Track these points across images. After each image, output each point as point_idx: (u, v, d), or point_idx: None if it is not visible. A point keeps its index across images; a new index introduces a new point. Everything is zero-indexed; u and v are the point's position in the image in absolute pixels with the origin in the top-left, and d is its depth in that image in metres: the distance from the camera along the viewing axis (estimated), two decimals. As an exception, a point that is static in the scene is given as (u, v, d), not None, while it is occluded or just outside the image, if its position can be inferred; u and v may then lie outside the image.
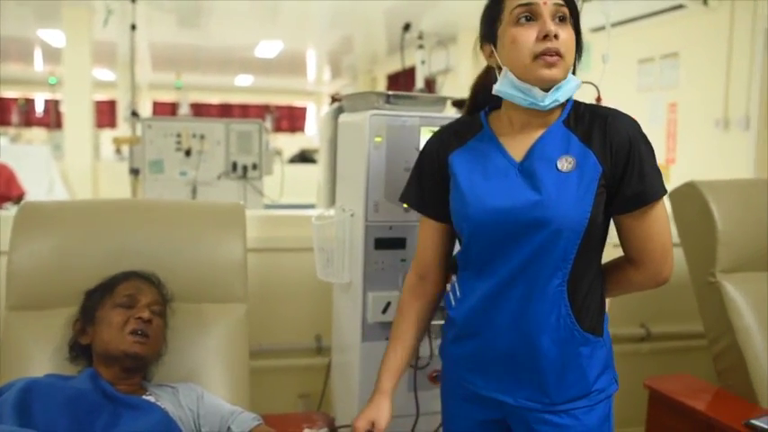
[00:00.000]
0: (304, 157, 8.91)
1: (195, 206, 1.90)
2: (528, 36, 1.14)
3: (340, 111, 1.99)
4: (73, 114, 6.27)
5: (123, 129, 4.72)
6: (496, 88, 1.21)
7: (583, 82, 1.88)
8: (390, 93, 1.70)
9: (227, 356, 1.65)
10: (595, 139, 1.18)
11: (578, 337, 1.21)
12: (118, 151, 7.25)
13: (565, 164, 1.17)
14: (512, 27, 1.16)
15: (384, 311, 1.71)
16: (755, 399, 1.82)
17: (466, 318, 1.29)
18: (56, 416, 1.27)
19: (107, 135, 9.42)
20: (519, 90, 1.17)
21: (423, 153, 1.35)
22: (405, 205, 1.71)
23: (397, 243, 1.72)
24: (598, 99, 1.93)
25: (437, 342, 1.78)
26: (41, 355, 1.54)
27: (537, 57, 1.13)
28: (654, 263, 1.23)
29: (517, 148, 1.23)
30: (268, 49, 8.82)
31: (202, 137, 2.89)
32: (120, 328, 1.42)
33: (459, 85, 7.32)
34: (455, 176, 1.26)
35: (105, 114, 10.70)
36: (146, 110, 11.49)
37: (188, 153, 2.87)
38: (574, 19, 1.18)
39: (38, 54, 9.12)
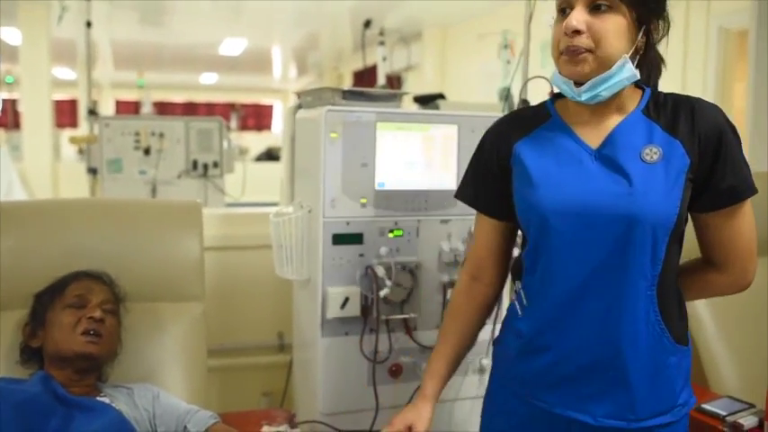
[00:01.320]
0: (271, 155, 8.86)
1: (151, 205, 1.88)
2: (558, 29, 1.08)
3: (299, 107, 1.99)
4: (31, 114, 6.11)
5: (84, 128, 4.63)
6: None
7: (537, 77, 1.91)
8: (346, 89, 1.71)
9: (183, 356, 1.63)
10: (682, 128, 1.08)
11: (668, 346, 1.11)
12: (80, 151, 7.11)
13: (650, 154, 1.07)
14: (557, 20, 1.10)
15: (343, 307, 1.72)
16: (707, 384, 1.87)
17: (538, 328, 1.15)
18: (5, 421, 1.25)
19: (68, 135, 9.24)
20: (562, 83, 1.10)
21: (481, 145, 1.25)
22: (362, 200, 1.72)
23: (355, 238, 1.73)
24: (551, 94, 1.96)
25: (396, 335, 1.79)
26: (-7, 359, 1.50)
27: (563, 53, 1.07)
28: (740, 264, 1.14)
29: (591, 135, 1.12)
30: (232, 46, 8.73)
31: (161, 135, 2.86)
32: (72, 329, 1.40)
33: (425, 81, 7.36)
34: (523, 165, 1.15)
35: (66, 114, 10.48)
36: (108, 109, 11.28)
37: (147, 152, 2.83)
38: (632, 4, 1.05)
39: (-7, 52, 8.89)
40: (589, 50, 1.05)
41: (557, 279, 1.11)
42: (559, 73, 1.10)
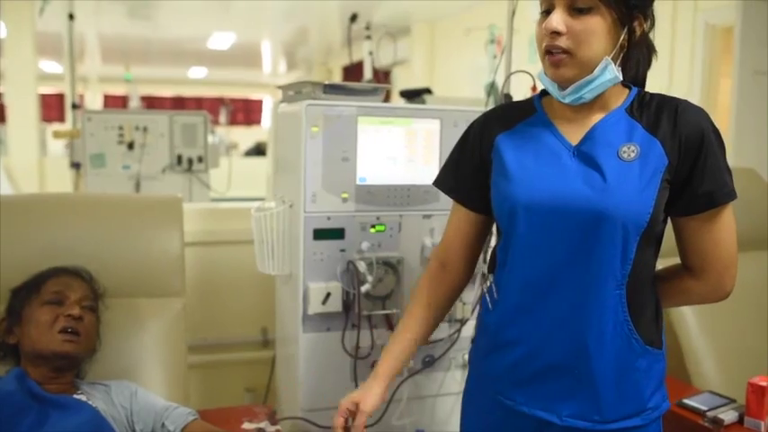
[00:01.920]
0: (260, 150, 8.82)
1: (131, 199, 1.86)
2: (540, 30, 1.07)
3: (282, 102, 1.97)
4: (17, 108, 6.05)
5: (71, 122, 4.58)
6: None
7: (519, 71, 1.91)
8: (327, 83, 1.69)
9: (163, 352, 1.62)
10: (663, 128, 1.07)
11: (637, 348, 1.09)
12: (68, 146, 7.04)
13: (627, 152, 1.06)
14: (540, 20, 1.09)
15: (324, 302, 1.71)
16: (689, 379, 1.87)
17: (504, 322, 1.14)
18: (-21, 418, 1.23)
19: (55, 129, 9.15)
20: (549, 84, 1.10)
21: (465, 135, 1.25)
22: (344, 195, 1.71)
23: (336, 233, 1.72)
24: (533, 89, 1.96)
25: (378, 331, 1.78)
26: (-32, 356, 1.48)
27: (546, 53, 1.07)
28: (716, 273, 1.12)
29: (573, 131, 1.12)
30: (221, 40, 8.68)
31: (145, 129, 2.83)
32: (49, 327, 1.38)
33: (414, 76, 7.34)
34: (501, 157, 1.15)
35: (53, 108, 10.37)
36: (96, 103, 11.17)
37: (131, 146, 2.81)
38: (613, 6, 1.04)
39: (-20, 46, 8.80)
40: (567, 52, 1.04)
41: (523, 272, 1.11)
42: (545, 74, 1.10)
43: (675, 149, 1.06)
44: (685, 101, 1.10)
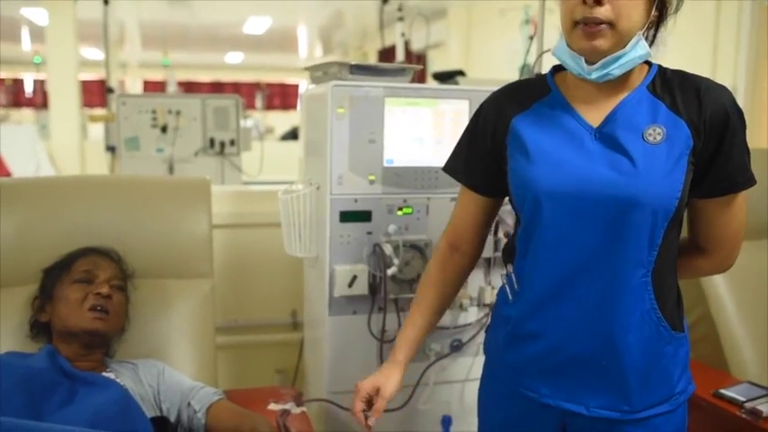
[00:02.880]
0: (295, 135, 8.85)
1: (159, 181, 1.88)
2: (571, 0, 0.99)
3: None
4: (58, 94, 6.19)
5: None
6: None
7: (549, 51, 1.85)
8: (353, 63, 1.67)
9: (191, 332, 1.63)
10: (688, 108, 1.03)
11: (664, 334, 1.07)
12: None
13: (653, 134, 1.02)
14: None
15: (350, 285, 1.70)
16: (727, 368, 1.81)
17: (527, 315, 1.11)
18: (10, 395, 1.26)
19: (91, 113, 9.34)
20: (570, 57, 1.03)
21: (475, 117, 1.19)
22: (371, 177, 1.69)
23: (363, 216, 1.70)
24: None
25: (405, 314, 1.77)
26: (3, 333, 1.52)
27: (577, 23, 0.99)
28: (725, 251, 1.12)
29: (593, 112, 1.06)
30: (256, 25, 8.70)
31: (178, 113, 2.85)
32: (79, 305, 1.40)
33: (450, 59, 7.25)
34: (521, 141, 1.09)
35: (95, 94, 10.57)
36: (136, 88, 11.38)
37: (164, 129, 2.83)
38: None
39: (25, 33, 9.00)
40: (608, 23, 0.98)
41: (549, 263, 1.07)
42: (568, 46, 1.03)
43: (701, 131, 1.02)
44: (708, 79, 1.06)
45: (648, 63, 1.08)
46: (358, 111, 1.65)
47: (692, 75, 1.07)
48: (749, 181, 1.06)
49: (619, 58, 1.00)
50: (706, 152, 1.03)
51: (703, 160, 1.03)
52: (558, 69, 1.15)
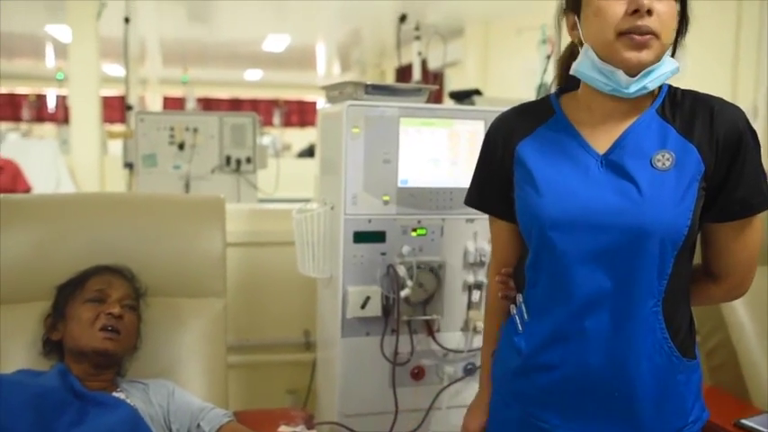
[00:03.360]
0: (312, 152, 8.89)
1: (174, 199, 1.88)
2: (615, 8, 0.95)
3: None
4: (79, 109, 6.27)
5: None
6: (575, 68, 1.02)
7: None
8: (368, 83, 1.67)
9: (202, 352, 1.62)
10: (699, 131, 1.00)
11: (676, 363, 1.04)
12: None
13: (662, 160, 0.99)
14: None
15: (363, 306, 1.68)
16: (748, 397, 1.77)
17: (538, 347, 1.08)
18: (20, 414, 1.25)
19: (109, 130, 9.46)
20: (600, 72, 0.99)
21: (484, 145, 1.17)
22: (385, 198, 1.68)
23: (377, 236, 1.69)
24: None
25: (418, 337, 1.75)
26: (15, 350, 1.52)
27: (622, 34, 0.95)
28: (739, 277, 1.09)
29: (599, 138, 1.04)
30: (276, 43, 8.79)
31: (195, 130, 2.87)
32: (91, 324, 1.40)
33: (467, 77, 7.26)
34: (527, 169, 1.07)
35: (116, 110, 10.71)
36: (156, 104, 11.52)
37: (181, 147, 2.85)
38: None
39: (48, 50, 9.17)
40: (655, 35, 0.95)
41: (560, 294, 1.04)
42: (599, 61, 0.98)
43: (712, 153, 0.99)
44: (721, 99, 1.03)
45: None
46: (373, 130, 1.65)
47: (704, 95, 1.05)
48: (764, 204, 1.02)
49: (651, 72, 0.98)
50: (718, 175, 1.00)
51: (715, 183, 1.01)
52: (563, 91, 1.13)
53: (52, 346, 1.48)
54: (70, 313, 1.44)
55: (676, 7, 0.98)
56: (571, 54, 1.15)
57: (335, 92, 1.79)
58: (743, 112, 1.02)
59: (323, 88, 1.84)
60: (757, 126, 3.86)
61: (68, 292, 1.48)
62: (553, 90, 1.19)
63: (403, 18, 3.21)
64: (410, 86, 1.74)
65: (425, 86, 1.75)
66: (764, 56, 3.78)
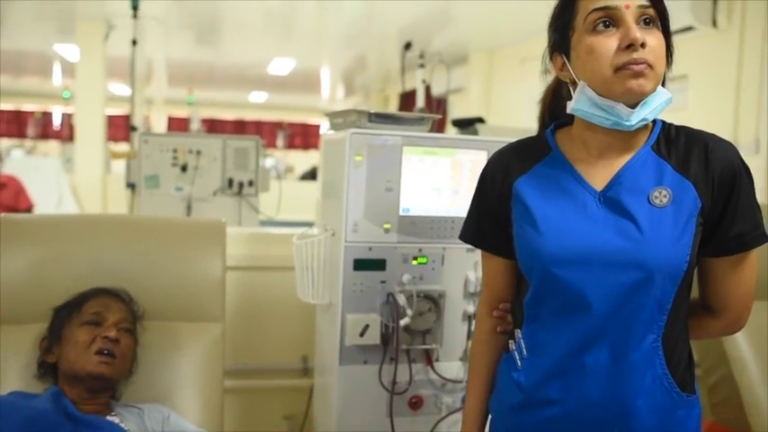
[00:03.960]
0: (315, 175, 8.92)
1: (175, 222, 1.88)
2: (608, 45, 0.97)
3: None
4: (84, 128, 6.32)
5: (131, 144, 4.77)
6: (572, 106, 1.03)
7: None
8: (372, 111, 1.67)
9: (199, 377, 1.61)
10: (694, 168, 1.01)
11: (677, 399, 1.04)
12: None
13: (660, 197, 1.00)
14: (588, 35, 0.99)
15: (362, 334, 1.67)
16: (750, 431, 1.75)
17: (537, 383, 1.07)
18: (12, 436, 1.24)
19: (113, 150, 9.51)
20: (600, 108, 0.99)
21: (481, 181, 1.17)
22: (386, 225, 1.68)
23: (377, 264, 1.68)
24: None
25: (417, 366, 1.73)
26: (10, 372, 1.51)
27: (620, 68, 0.96)
28: (736, 312, 1.08)
29: (596, 175, 1.04)
30: (281, 66, 8.87)
31: (199, 152, 2.88)
32: (86, 348, 1.39)
33: (471, 104, 7.31)
34: (525, 207, 1.07)
35: (120, 128, 10.79)
36: (161, 124, 11.59)
37: (184, 168, 2.85)
38: (662, 20, 1.00)
39: (56, 68, 9.26)
40: (650, 65, 0.96)
41: (561, 331, 1.03)
42: (604, 95, 0.98)
43: (708, 190, 1.01)
44: (714, 136, 1.04)
45: (653, 120, 1.05)
46: (376, 159, 1.65)
47: (697, 131, 1.05)
48: (759, 239, 1.02)
49: (650, 101, 0.99)
50: (714, 211, 1.01)
51: (712, 219, 1.02)
52: (558, 126, 1.13)
53: (47, 368, 1.47)
54: (66, 336, 1.43)
55: (663, 37, 1.00)
56: (554, 94, 1.17)
57: (339, 119, 1.80)
58: (736, 149, 1.03)
59: (327, 115, 1.85)
60: (760, 158, 3.88)
61: (65, 314, 1.47)
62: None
63: (408, 45, 3.22)
64: (413, 115, 1.75)
65: (429, 115, 1.76)
66: (765, 90, 3.80)
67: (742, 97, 3.99)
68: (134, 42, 3.26)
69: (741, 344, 1.83)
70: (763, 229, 1.03)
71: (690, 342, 1.10)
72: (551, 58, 1.09)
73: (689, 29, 4.19)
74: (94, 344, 1.40)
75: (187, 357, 1.62)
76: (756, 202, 1.03)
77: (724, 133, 1.07)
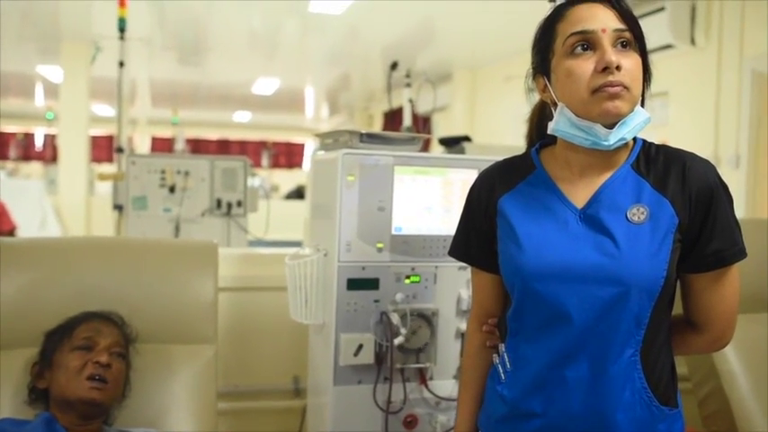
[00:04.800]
0: (300, 194, 8.92)
1: (166, 244, 1.87)
2: (585, 68, 1.00)
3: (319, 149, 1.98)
4: (68, 149, 6.29)
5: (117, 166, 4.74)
6: (552, 127, 1.06)
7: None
8: (364, 131, 1.69)
9: (192, 400, 1.60)
10: (672, 186, 1.04)
11: (656, 413, 1.05)
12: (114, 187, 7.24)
13: (637, 214, 1.03)
14: (566, 58, 1.02)
15: (356, 354, 1.67)
16: (741, 446, 1.76)
17: (521, 395, 1.09)
18: (4, 464, 1.22)
19: (100, 172, 9.44)
20: (579, 129, 1.02)
21: (468, 198, 1.20)
22: (379, 245, 1.69)
23: (370, 284, 1.69)
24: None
25: (411, 385, 1.73)
26: (1, 397, 1.49)
27: (597, 90, 0.99)
28: (719, 328, 1.10)
29: (577, 193, 1.08)
30: (265, 86, 8.90)
31: (187, 173, 2.88)
32: (78, 373, 1.38)
33: (455, 122, 7.37)
34: (508, 224, 1.10)
35: (104, 149, 10.74)
36: (145, 145, 11.54)
37: (172, 189, 2.85)
38: (639, 42, 1.03)
39: (38, 89, 9.21)
40: (626, 87, 0.99)
41: (540, 344, 1.06)
42: (576, 118, 1.02)
43: (686, 207, 1.03)
44: (692, 154, 1.07)
45: (633, 138, 1.09)
46: (367, 178, 1.66)
47: (676, 150, 1.08)
48: (737, 255, 1.05)
49: (628, 121, 1.01)
50: (693, 228, 1.04)
51: (690, 236, 1.04)
52: (544, 145, 1.16)
53: (38, 394, 1.45)
54: (57, 361, 1.41)
55: (640, 59, 1.03)
56: (541, 113, 1.20)
57: (330, 140, 1.81)
58: (714, 168, 1.06)
59: (317, 136, 1.86)
60: (740, 173, 3.95)
61: (56, 339, 1.45)
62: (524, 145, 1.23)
63: (395, 65, 3.26)
64: (404, 135, 1.76)
65: (419, 135, 1.78)
66: (746, 106, 3.89)
67: (721, 113, 4.08)
68: (121, 64, 3.26)
69: (730, 357, 1.85)
70: (741, 245, 1.05)
71: (674, 356, 1.11)
72: (534, 80, 1.12)
73: (668, 47, 4.28)
74: (86, 369, 1.38)
75: (180, 380, 1.60)
76: (734, 219, 1.06)
77: (704, 149, 1.10)
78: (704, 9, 4.17)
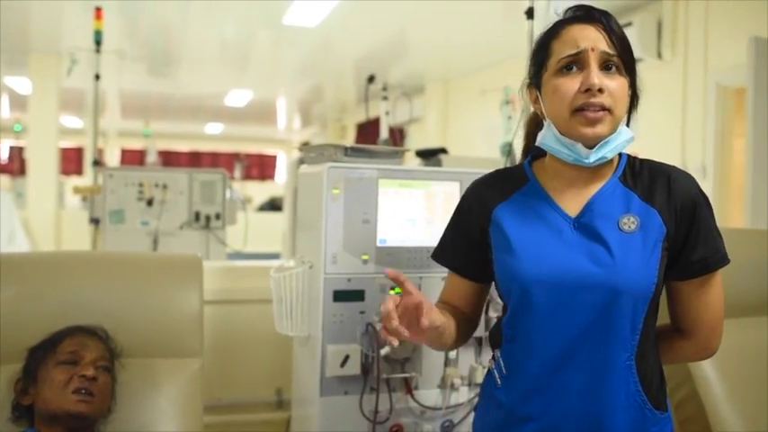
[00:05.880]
0: (273, 205, 8.89)
1: (150, 258, 1.87)
2: (569, 87, 1.04)
3: (302, 161, 2.00)
4: (37, 161, 6.18)
5: (90, 176, 4.61)
6: (539, 140, 1.12)
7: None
8: (348, 145, 1.71)
9: (178, 414, 1.59)
10: (659, 197, 1.09)
11: (649, 416, 1.09)
12: (84, 199, 7.14)
13: (628, 223, 1.07)
14: (554, 76, 1.06)
15: (342, 365, 1.68)
16: (716, 449, 1.81)
17: (517, 400, 1.12)
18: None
19: (73, 182, 9.31)
20: (562, 145, 1.07)
21: (460, 207, 1.23)
22: (364, 257, 1.71)
23: (356, 295, 1.71)
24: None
25: (396, 395, 1.75)
26: (-17, 416, 1.47)
27: (576, 111, 1.03)
28: (705, 334, 1.15)
29: (570, 202, 1.11)
30: (238, 98, 8.87)
31: (165, 186, 2.87)
32: (63, 387, 1.37)
33: (428, 134, 7.44)
34: (503, 233, 1.13)
35: (72, 162, 10.58)
36: (114, 157, 11.40)
37: (150, 203, 2.84)
38: (628, 67, 1.07)
39: (4, 101, 9.04)
40: (607, 110, 1.03)
41: (537, 349, 1.09)
42: (560, 134, 1.07)
43: (672, 218, 1.08)
44: (674, 167, 1.13)
45: (618, 154, 1.13)
46: (352, 192, 1.69)
47: (659, 164, 1.14)
48: (720, 261, 1.11)
49: (609, 142, 1.06)
50: (678, 237, 1.09)
51: (676, 245, 1.09)
52: (535, 158, 1.19)
53: (22, 411, 1.44)
54: (42, 376, 1.40)
55: (627, 82, 1.07)
56: (536, 123, 1.23)
57: (314, 153, 1.83)
58: (695, 180, 1.12)
59: (301, 149, 1.88)
60: (707, 183, 4.07)
61: (41, 354, 1.44)
62: (518, 153, 1.26)
63: (371, 79, 3.30)
64: (388, 149, 1.79)
65: (402, 149, 1.81)
66: (711, 118, 4.01)
67: (688, 125, 4.19)
68: (97, 77, 3.23)
69: (704, 363, 1.90)
70: (723, 252, 1.11)
71: (660, 362, 1.16)
72: (528, 89, 1.16)
73: (636, 60, 4.40)
74: (72, 383, 1.37)
75: (165, 395, 1.59)
76: (717, 228, 1.12)
77: (672, 160, 1.16)
78: (670, 24, 4.30)
